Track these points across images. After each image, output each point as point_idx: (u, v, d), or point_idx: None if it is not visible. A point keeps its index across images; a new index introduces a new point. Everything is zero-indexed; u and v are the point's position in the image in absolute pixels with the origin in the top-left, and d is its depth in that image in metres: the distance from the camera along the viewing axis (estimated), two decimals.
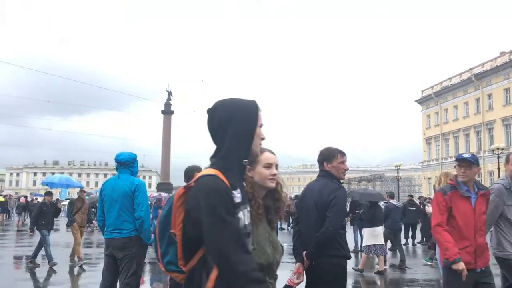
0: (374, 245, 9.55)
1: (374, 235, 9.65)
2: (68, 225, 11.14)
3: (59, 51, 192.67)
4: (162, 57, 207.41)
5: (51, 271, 9.81)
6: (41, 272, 9.98)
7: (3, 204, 27.10)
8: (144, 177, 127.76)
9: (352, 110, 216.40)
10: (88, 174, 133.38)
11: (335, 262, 3.48)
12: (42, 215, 10.49)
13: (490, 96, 44.76)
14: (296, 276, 3.41)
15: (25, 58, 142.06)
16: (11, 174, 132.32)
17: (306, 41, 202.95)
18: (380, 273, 9.53)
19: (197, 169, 4.88)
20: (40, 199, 30.81)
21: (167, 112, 42.65)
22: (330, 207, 3.42)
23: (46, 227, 10.48)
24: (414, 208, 16.15)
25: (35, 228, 10.70)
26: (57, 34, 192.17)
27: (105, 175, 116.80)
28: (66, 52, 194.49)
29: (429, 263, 10.98)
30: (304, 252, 3.45)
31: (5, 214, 28.18)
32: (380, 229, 10.00)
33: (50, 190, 12.10)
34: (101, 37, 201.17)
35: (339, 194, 3.49)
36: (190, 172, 4.89)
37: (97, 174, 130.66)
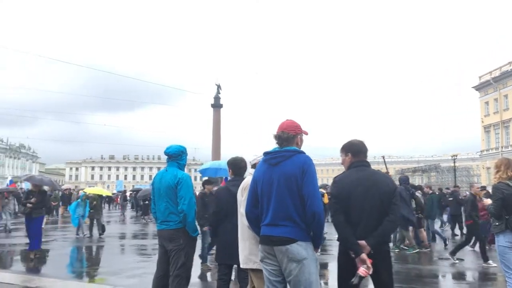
0: None
1: None
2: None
3: (111, 49, 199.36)
4: (212, 50, 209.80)
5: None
6: (97, 262, 10.38)
7: (64, 197, 28.41)
8: (195, 170, 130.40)
9: (407, 99, 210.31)
10: (142, 168, 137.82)
11: (389, 248, 3.68)
12: (203, 207, 9.06)
13: None
14: (367, 267, 3.33)
15: (79, 57, 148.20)
16: (71, 168, 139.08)
17: (360, 31, 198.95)
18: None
19: (243, 160, 4.85)
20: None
21: (216, 105, 43.13)
22: (395, 196, 3.51)
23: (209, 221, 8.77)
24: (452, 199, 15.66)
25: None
26: (108, 33, 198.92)
27: (158, 168, 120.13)
28: (117, 49, 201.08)
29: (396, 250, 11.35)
30: (363, 242, 3.37)
31: (66, 207, 29.57)
32: None
33: (208, 179, 10.39)
34: (151, 33, 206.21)
35: (394, 182, 3.74)
36: (235, 163, 4.84)
37: (150, 168, 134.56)
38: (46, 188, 11.44)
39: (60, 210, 27.35)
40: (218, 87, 43.73)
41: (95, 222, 15.58)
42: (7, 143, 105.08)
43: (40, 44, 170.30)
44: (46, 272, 9.02)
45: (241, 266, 4.01)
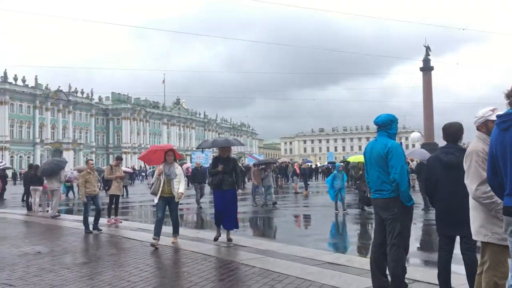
0: None
1: None
2: None
3: (311, 26, 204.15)
4: (417, 12, 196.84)
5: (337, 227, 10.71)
6: (316, 229, 11.04)
7: (281, 170, 30.99)
8: (406, 138, 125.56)
9: None
10: (351, 139, 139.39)
11: None
12: None
13: None
14: None
15: (285, 38, 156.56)
16: (285, 143, 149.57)
17: None
18: None
19: (455, 125, 4.50)
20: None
21: (426, 68, 40.64)
22: None
23: None
24: None
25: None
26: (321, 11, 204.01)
27: (367, 138, 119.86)
28: (319, 25, 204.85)
29: None
30: None
31: (284, 179, 32.21)
32: None
33: None
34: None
35: None
36: (446, 128, 4.54)
37: (359, 138, 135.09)
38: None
39: (279, 182, 29.75)
40: (427, 48, 41.07)
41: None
42: (231, 123, 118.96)
43: (251, 31, 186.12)
44: (272, 236, 10.03)
45: (473, 237, 3.79)
